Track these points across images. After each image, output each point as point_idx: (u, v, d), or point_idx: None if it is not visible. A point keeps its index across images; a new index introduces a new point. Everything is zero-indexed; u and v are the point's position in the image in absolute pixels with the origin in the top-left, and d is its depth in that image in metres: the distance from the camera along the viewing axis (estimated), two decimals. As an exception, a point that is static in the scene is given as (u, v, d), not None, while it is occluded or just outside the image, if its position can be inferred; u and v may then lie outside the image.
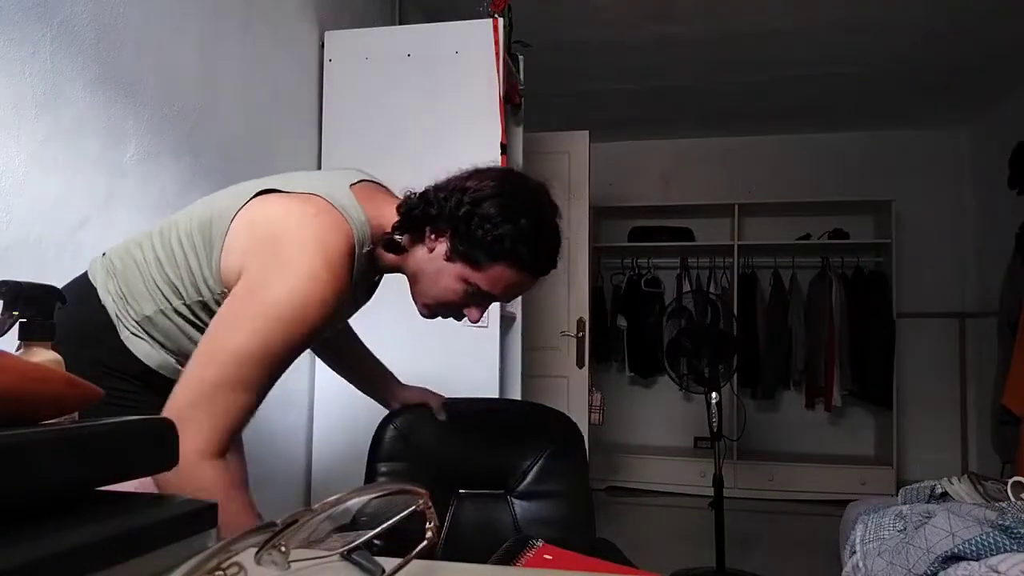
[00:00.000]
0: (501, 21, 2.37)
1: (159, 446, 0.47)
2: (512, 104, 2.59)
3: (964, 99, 4.44)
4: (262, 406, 1.01)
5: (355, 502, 0.47)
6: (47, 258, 1.39)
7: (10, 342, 0.61)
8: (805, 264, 4.94)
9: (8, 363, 0.42)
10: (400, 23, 3.06)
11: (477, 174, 1.11)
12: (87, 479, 0.42)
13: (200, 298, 1.06)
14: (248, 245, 1.01)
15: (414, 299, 1.17)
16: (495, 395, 2.32)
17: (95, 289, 1.09)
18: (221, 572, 0.37)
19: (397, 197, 1.16)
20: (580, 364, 3.56)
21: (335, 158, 2.44)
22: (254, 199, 1.06)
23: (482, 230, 1.04)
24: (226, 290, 1.03)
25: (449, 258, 1.08)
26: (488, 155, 2.31)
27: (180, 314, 1.08)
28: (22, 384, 0.42)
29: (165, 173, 1.75)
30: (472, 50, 2.36)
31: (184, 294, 1.06)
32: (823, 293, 4.78)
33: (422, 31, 2.59)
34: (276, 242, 0.99)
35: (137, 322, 1.08)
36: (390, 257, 1.13)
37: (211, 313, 1.05)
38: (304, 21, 2.42)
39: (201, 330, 1.07)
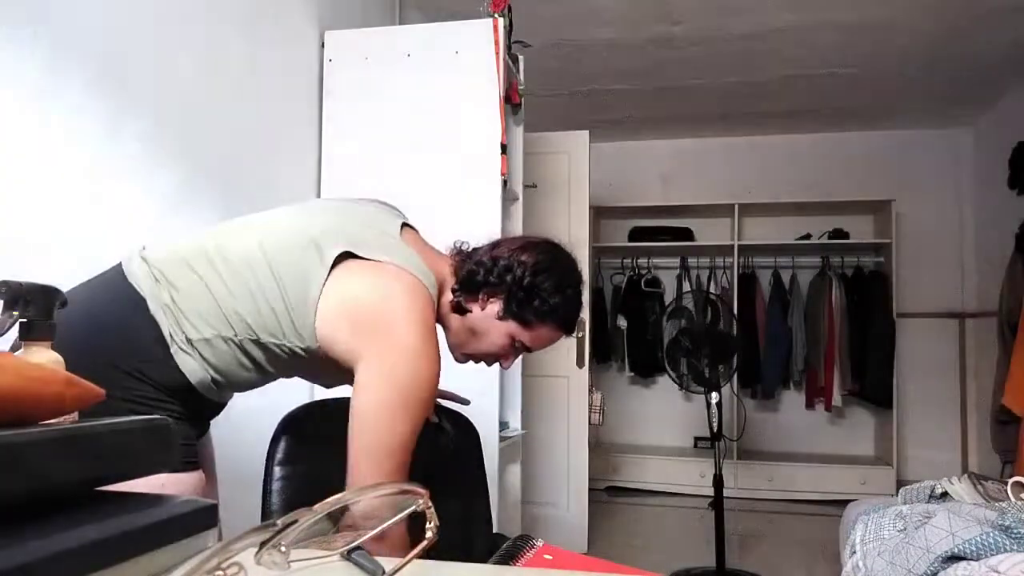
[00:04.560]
0: (501, 21, 2.37)
1: (159, 446, 0.47)
2: (512, 104, 2.59)
3: (964, 99, 4.44)
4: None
5: (355, 502, 0.47)
6: (47, 258, 1.39)
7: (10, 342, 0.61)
8: (805, 264, 4.94)
9: (8, 363, 0.42)
10: (400, 23, 3.06)
11: (529, 248, 1.27)
12: (87, 479, 0.42)
13: (288, 345, 1.13)
14: (355, 330, 1.10)
15: (451, 350, 1.30)
16: (495, 395, 2.31)
17: (143, 299, 1.08)
18: (221, 572, 0.37)
19: (426, 241, 1.29)
20: (580, 364, 3.55)
21: (335, 158, 2.44)
22: (338, 268, 1.11)
23: (539, 299, 1.22)
24: (320, 346, 1.13)
25: (501, 317, 1.24)
26: (488, 155, 2.32)
27: (243, 348, 1.12)
28: (22, 384, 0.42)
29: (165, 173, 1.75)
30: (472, 50, 2.36)
31: (264, 336, 1.12)
32: (823, 293, 4.78)
33: (422, 31, 2.59)
34: (385, 331, 1.09)
35: (189, 340, 1.09)
36: (450, 316, 1.27)
37: (293, 355, 1.14)
38: (304, 21, 2.42)
39: (258, 362, 1.14)
